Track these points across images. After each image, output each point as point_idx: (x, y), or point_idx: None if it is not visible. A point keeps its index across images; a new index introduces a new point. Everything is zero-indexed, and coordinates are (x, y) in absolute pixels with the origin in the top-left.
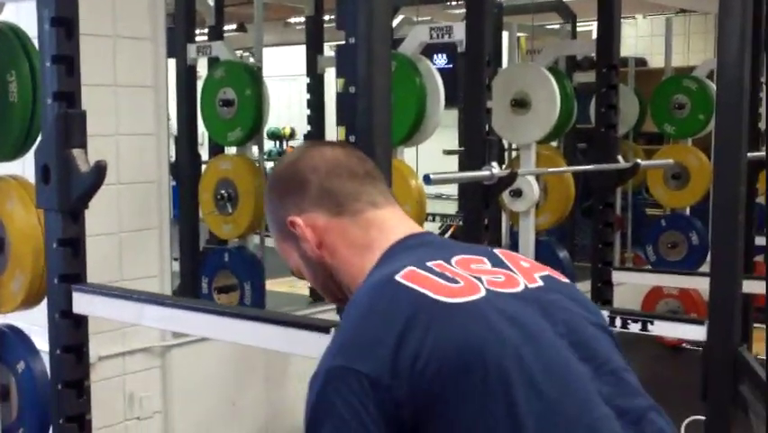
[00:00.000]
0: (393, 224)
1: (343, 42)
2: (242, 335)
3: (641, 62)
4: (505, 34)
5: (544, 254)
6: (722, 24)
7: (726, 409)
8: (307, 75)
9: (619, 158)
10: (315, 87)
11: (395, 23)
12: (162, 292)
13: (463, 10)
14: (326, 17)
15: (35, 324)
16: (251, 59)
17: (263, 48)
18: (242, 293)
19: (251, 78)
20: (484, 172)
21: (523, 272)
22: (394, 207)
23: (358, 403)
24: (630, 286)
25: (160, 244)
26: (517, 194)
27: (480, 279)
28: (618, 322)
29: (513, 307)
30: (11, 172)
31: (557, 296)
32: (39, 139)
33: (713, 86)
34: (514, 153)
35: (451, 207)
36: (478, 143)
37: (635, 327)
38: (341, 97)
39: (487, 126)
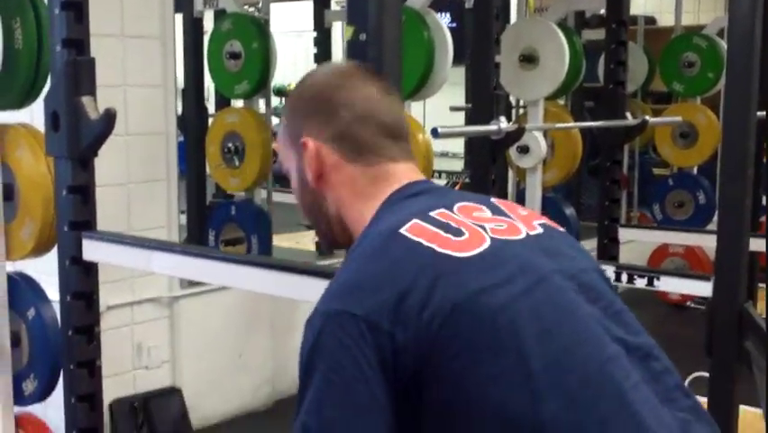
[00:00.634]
0: (401, 177)
1: None
2: (250, 281)
3: (650, 21)
4: None
5: (550, 211)
6: None
7: (731, 364)
8: (314, 29)
9: (628, 114)
10: (322, 41)
11: None
12: None
13: None
14: None
15: (45, 273)
16: (257, 14)
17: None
18: (249, 246)
19: (259, 31)
20: (492, 127)
21: (522, 220)
22: (408, 164)
23: (354, 347)
24: (635, 245)
25: (169, 196)
26: (525, 150)
27: (483, 227)
28: (624, 277)
29: (519, 254)
30: (20, 121)
31: (557, 242)
32: (47, 87)
33: (723, 44)
34: (521, 111)
35: (457, 165)
36: (485, 98)
37: (641, 283)
38: (351, 45)
39: (495, 81)
